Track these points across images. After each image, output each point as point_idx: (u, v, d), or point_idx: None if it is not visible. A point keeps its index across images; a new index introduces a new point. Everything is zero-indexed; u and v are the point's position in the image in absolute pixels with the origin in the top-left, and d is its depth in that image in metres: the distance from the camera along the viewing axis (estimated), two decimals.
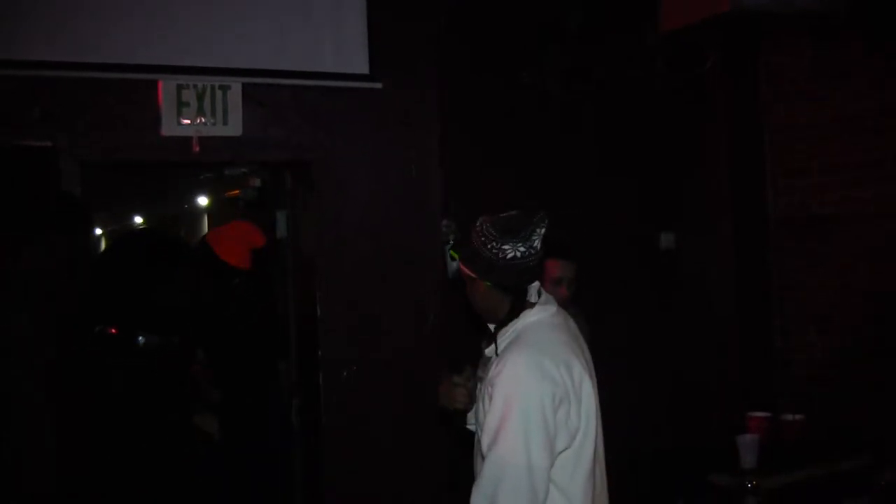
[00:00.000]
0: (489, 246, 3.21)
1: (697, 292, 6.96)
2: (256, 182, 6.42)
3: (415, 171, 5.97)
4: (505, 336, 3.29)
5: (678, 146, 6.96)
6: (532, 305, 3.33)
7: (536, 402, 3.05)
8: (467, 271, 3.31)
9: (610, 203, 6.56)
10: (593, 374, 3.35)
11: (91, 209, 5.42)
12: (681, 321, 6.81)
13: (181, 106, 5.35)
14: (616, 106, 6.69)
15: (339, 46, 5.63)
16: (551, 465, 3.08)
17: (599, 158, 6.58)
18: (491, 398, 3.12)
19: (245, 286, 5.67)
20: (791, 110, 7.00)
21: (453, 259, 3.31)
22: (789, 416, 5.95)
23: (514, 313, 3.30)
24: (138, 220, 9.55)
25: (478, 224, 3.29)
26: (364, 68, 5.69)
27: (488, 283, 3.27)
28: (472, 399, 3.45)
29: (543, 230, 3.23)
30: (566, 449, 3.15)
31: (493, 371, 3.18)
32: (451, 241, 5.94)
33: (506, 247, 3.18)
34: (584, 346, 3.43)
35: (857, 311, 6.60)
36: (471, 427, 3.57)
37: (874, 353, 6.45)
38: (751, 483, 5.24)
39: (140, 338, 3.26)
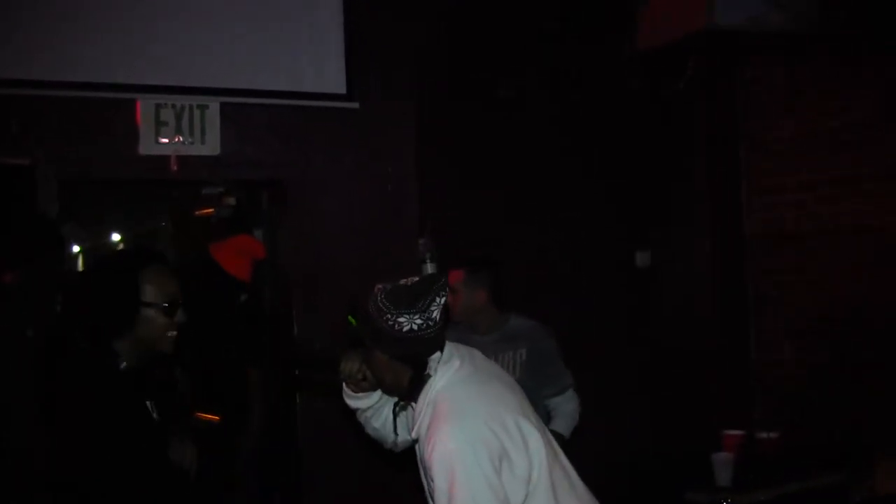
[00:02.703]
0: (385, 317, 3.02)
1: (674, 309, 6.98)
2: (231, 200, 6.41)
3: (391, 188, 5.99)
4: (422, 414, 3.09)
5: (655, 164, 6.99)
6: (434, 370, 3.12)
7: (477, 473, 2.89)
8: (365, 341, 3.14)
9: (586, 221, 6.59)
10: (525, 404, 3.20)
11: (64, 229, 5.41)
12: (658, 338, 6.83)
13: (159, 125, 5.36)
14: (592, 122, 6.72)
15: (316, 66, 5.66)
16: None
17: (575, 174, 6.61)
18: (433, 480, 2.96)
19: (251, 301, 5.69)
20: (767, 127, 7.05)
21: (351, 324, 3.09)
22: (765, 434, 5.96)
23: (416, 384, 3.11)
24: (116, 237, 9.50)
25: (373, 292, 3.10)
26: (341, 88, 5.72)
27: (386, 356, 3.10)
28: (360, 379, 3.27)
29: (444, 299, 3.07)
30: (526, 496, 3.01)
31: (425, 451, 3.00)
32: (428, 259, 5.96)
33: (401, 319, 3.01)
34: (505, 378, 3.30)
35: (833, 327, 6.63)
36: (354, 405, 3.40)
37: (850, 368, 6.49)
38: (726, 501, 5.25)
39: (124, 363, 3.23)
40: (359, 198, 5.88)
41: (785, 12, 6.19)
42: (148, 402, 3.27)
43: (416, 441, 3.20)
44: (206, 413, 5.21)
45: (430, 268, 5.93)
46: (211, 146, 5.46)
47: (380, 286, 3.11)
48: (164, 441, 3.25)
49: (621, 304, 6.74)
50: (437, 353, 3.11)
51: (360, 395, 3.35)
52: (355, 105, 5.78)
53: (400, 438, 3.40)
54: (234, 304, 5.60)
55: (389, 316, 3.02)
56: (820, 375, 6.68)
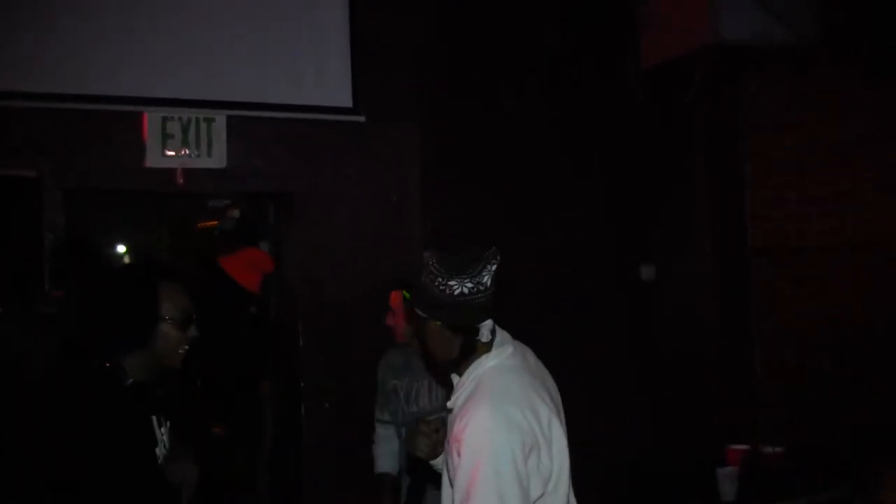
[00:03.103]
0: (436, 283, 3.07)
1: (677, 319, 6.98)
2: (235, 213, 6.42)
3: (396, 199, 6.01)
4: (464, 387, 3.16)
5: (659, 176, 7.00)
6: (487, 347, 3.18)
7: (507, 456, 2.93)
8: (418, 311, 3.19)
9: (588, 231, 6.59)
10: (561, 411, 3.24)
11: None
12: (660, 347, 6.83)
13: (166, 138, 5.39)
14: (596, 136, 6.73)
15: (322, 80, 5.69)
16: None
17: (579, 188, 6.62)
18: (459, 454, 2.99)
19: (260, 314, 5.70)
20: (770, 140, 7.05)
21: (406, 299, 3.14)
22: (769, 448, 5.96)
23: (465, 354, 3.17)
24: (121, 248, 9.52)
25: (425, 259, 3.18)
26: (347, 101, 5.75)
27: (437, 323, 3.14)
28: (436, 450, 3.33)
29: (495, 267, 3.11)
30: (541, 496, 3.05)
31: (457, 426, 3.03)
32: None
33: (452, 283, 3.06)
34: (550, 382, 3.32)
35: (836, 339, 6.63)
36: (438, 468, 3.44)
37: (854, 381, 6.49)
38: None
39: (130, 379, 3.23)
40: (364, 209, 5.90)
41: (788, 27, 6.21)
42: (154, 418, 3.27)
43: (449, 411, 3.24)
44: (219, 425, 5.24)
45: None
46: (217, 159, 5.49)
47: (431, 252, 3.24)
48: (165, 460, 3.25)
49: (623, 312, 6.74)
50: (489, 321, 3.15)
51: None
52: (361, 118, 5.81)
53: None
54: (245, 317, 5.63)
55: (441, 280, 3.07)
56: (823, 386, 6.67)
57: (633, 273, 6.92)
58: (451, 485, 3.09)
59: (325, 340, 5.70)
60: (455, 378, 3.29)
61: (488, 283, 3.09)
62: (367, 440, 5.70)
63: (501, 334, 3.24)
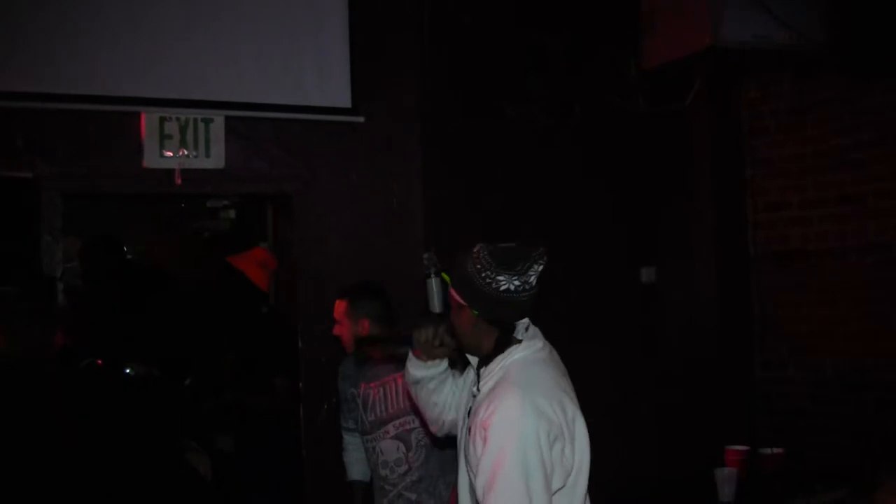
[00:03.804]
0: (483, 275, 3.10)
1: (678, 326, 6.97)
2: (230, 214, 6.42)
3: (396, 202, 6.00)
4: (491, 374, 3.19)
5: (660, 179, 6.99)
6: (518, 342, 3.21)
7: (534, 443, 2.95)
8: (457, 297, 3.21)
9: (590, 235, 6.58)
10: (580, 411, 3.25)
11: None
12: (661, 354, 6.82)
13: (164, 138, 5.38)
14: (597, 139, 6.72)
15: (321, 80, 5.68)
16: None
17: (580, 191, 6.60)
18: (485, 441, 3.00)
19: (272, 314, 5.71)
20: (771, 144, 7.04)
21: (446, 283, 3.18)
22: (768, 450, 5.94)
23: (499, 349, 3.20)
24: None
25: (475, 250, 3.18)
26: (346, 102, 5.74)
27: (476, 313, 3.17)
28: (433, 349, 3.37)
29: (541, 267, 3.14)
30: (561, 488, 3.07)
31: (484, 412, 3.05)
32: (433, 273, 5.94)
33: (500, 278, 3.09)
34: (570, 382, 3.34)
35: (836, 344, 6.62)
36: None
37: (853, 386, 6.47)
38: None
39: (128, 369, 3.25)
40: (364, 209, 5.90)
41: (791, 30, 6.18)
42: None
43: (473, 397, 3.28)
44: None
45: (434, 282, 5.91)
46: (216, 160, 5.48)
47: (482, 244, 3.20)
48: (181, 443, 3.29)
49: (625, 319, 6.73)
50: (526, 320, 3.20)
51: (430, 363, 3.42)
52: (360, 119, 5.80)
53: (450, 416, 3.50)
54: (258, 316, 5.63)
55: (489, 273, 3.10)
56: (824, 392, 6.66)
57: (634, 276, 6.91)
58: (471, 472, 3.12)
59: (325, 341, 5.68)
60: (473, 360, 3.35)
61: (534, 283, 3.14)
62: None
63: (534, 330, 3.28)
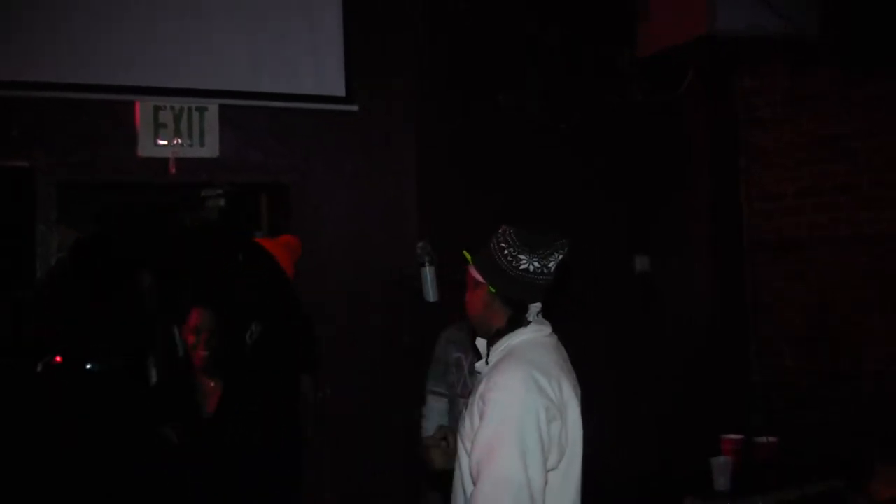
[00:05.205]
0: (506, 252, 3.16)
1: (673, 315, 6.97)
2: (220, 202, 6.37)
3: (392, 192, 5.99)
4: (496, 351, 3.22)
5: (655, 169, 6.98)
6: (528, 324, 3.25)
7: (532, 416, 2.97)
8: (475, 274, 3.26)
9: (585, 225, 6.56)
10: (579, 401, 3.26)
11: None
12: (656, 344, 6.82)
13: (158, 127, 5.37)
14: (592, 129, 6.71)
15: (315, 69, 5.67)
16: (546, 483, 3.00)
17: (575, 181, 6.59)
18: (482, 414, 3.02)
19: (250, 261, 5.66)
20: (766, 134, 7.05)
21: (465, 259, 3.22)
22: (763, 439, 5.95)
23: (509, 328, 3.23)
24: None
25: (501, 229, 3.24)
26: (340, 91, 5.73)
27: (492, 290, 3.21)
28: (451, 459, 3.33)
29: (562, 257, 3.19)
30: (554, 469, 3.07)
31: (483, 386, 3.09)
32: (427, 263, 5.94)
33: (522, 256, 3.14)
34: (572, 371, 3.35)
35: (831, 333, 6.62)
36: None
37: (848, 375, 6.48)
38: None
39: (88, 364, 3.26)
40: (359, 200, 5.89)
41: (785, 20, 6.19)
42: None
43: (477, 373, 3.32)
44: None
45: (428, 271, 5.93)
46: (210, 148, 5.47)
47: (507, 225, 3.25)
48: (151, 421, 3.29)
49: (620, 310, 6.72)
50: (538, 305, 3.26)
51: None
52: (354, 108, 5.79)
53: None
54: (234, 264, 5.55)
55: (512, 250, 3.17)
56: (819, 382, 6.67)
57: (629, 268, 6.90)
58: (465, 449, 3.12)
59: (321, 332, 5.67)
60: (480, 343, 3.36)
61: (552, 269, 3.19)
62: (365, 432, 5.72)
63: (542, 319, 3.33)
